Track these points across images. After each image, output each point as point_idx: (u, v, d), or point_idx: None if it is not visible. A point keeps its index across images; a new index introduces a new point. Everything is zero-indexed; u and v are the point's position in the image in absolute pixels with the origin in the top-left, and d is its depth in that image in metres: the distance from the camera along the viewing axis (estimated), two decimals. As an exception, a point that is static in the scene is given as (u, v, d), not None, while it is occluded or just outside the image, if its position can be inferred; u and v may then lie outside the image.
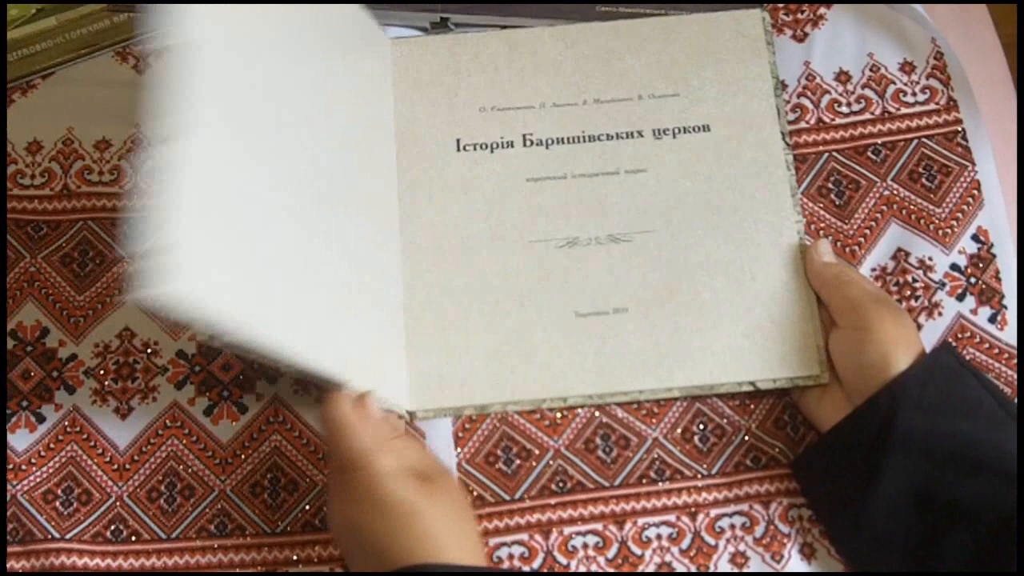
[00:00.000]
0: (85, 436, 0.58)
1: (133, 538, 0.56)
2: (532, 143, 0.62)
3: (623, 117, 0.62)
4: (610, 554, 0.56)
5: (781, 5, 0.67)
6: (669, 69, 0.63)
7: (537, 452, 0.58)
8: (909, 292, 0.60)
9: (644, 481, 0.57)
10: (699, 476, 0.57)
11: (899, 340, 0.52)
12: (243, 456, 0.58)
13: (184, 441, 0.58)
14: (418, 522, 0.47)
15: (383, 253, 0.58)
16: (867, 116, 0.64)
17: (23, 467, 0.57)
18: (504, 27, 0.65)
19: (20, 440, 0.57)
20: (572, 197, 0.61)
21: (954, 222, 0.62)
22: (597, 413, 0.58)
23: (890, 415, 0.51)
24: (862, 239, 0.62)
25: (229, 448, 0.58)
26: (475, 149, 0.62)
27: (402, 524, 0.47)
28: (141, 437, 0.58)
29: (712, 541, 0.56)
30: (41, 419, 0.58)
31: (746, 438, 0.58)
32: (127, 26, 0.65)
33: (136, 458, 0.57)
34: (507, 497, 0.57)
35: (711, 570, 0.55)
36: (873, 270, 0.61)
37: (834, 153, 0.63)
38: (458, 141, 0.62)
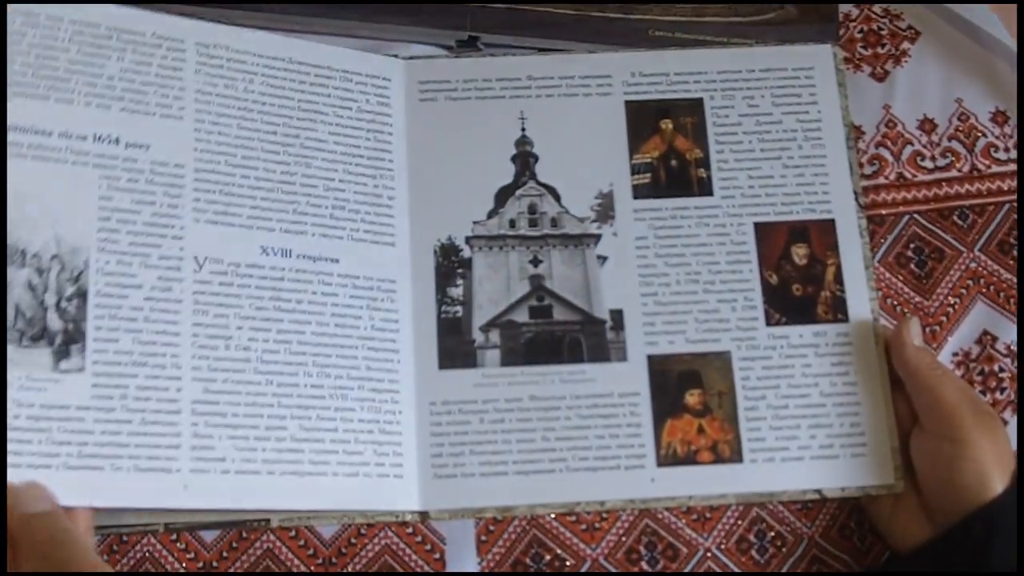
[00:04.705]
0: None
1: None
2: None
3: None
4: None
5: (859, 37, 0.58)
6: None
7: (572, 562, 0.50)
8: (994, 383, 0.53)
9: (694, 600, 0.50)
10: (756, 595, 0.50)
11: (997, 459, 0.46)
12: (230, 559, 0.50)
13: (162, 540, 0.50)
14: None
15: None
16: (953, 173, 0.56)
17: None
18: (541, 50, 0.56)
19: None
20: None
21: (1048, 303, 0.54)
22: (641, 516, 0.51)
23: (984, 544, 0.45)
24: (944, 318, 0.54)
25: (214, 550, 0.50)
26: None
27: None
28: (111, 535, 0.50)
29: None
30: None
31: (809, 548, 0.51)
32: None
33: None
34: (535, 614, 0.50)
35: None
36: (955, 355, 0.54)
37: (915, 215, 0.55)
38: None
